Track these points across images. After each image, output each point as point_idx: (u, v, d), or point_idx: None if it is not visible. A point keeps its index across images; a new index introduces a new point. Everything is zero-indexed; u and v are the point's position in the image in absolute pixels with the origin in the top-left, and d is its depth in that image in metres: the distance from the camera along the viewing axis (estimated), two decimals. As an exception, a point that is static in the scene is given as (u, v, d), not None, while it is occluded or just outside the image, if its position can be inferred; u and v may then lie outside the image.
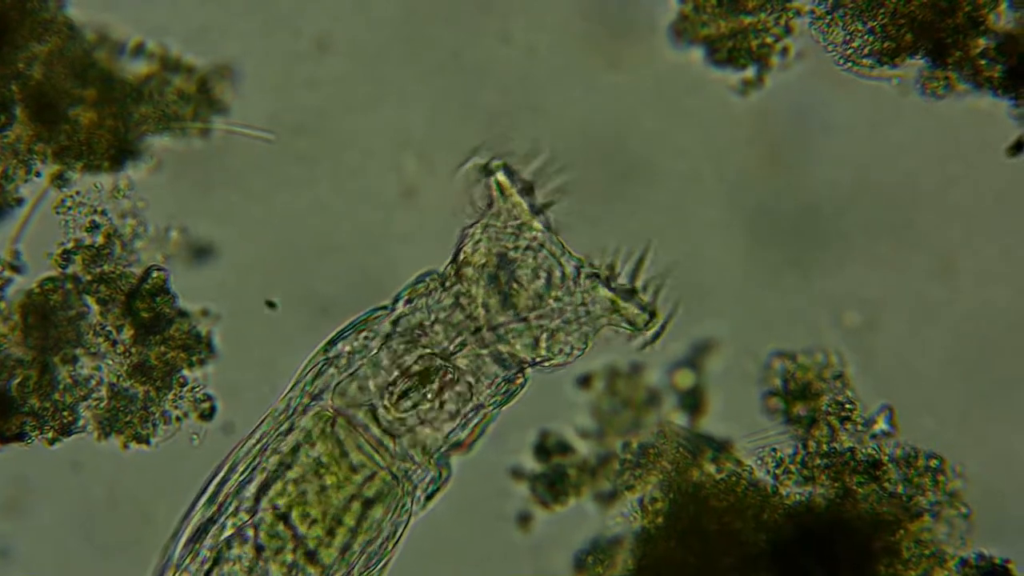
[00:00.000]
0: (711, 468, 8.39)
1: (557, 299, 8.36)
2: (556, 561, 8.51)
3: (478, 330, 8.35)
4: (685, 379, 8.56)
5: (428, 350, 8.35)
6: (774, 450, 8.39)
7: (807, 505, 8.30)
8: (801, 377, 8.44)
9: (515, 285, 8.34)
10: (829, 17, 8.43)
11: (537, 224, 8.40)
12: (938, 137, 8.57)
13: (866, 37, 8.40)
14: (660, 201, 8.56)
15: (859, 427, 8.38)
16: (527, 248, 8.38)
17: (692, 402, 8.55)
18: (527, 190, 8.45)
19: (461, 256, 8.41)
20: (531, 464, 8.57)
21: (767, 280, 8.57)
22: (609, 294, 8.38)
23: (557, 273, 8.37)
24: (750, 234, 8.59)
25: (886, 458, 8.34)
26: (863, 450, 8.35)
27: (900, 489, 8.30)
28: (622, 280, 8.42)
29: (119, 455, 8.51)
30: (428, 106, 8.63)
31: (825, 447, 8.36)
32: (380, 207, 8.63)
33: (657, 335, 8.46)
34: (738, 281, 8.58)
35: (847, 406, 8.40)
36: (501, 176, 8.45)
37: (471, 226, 8.45)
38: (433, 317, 8.37)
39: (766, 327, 8.55)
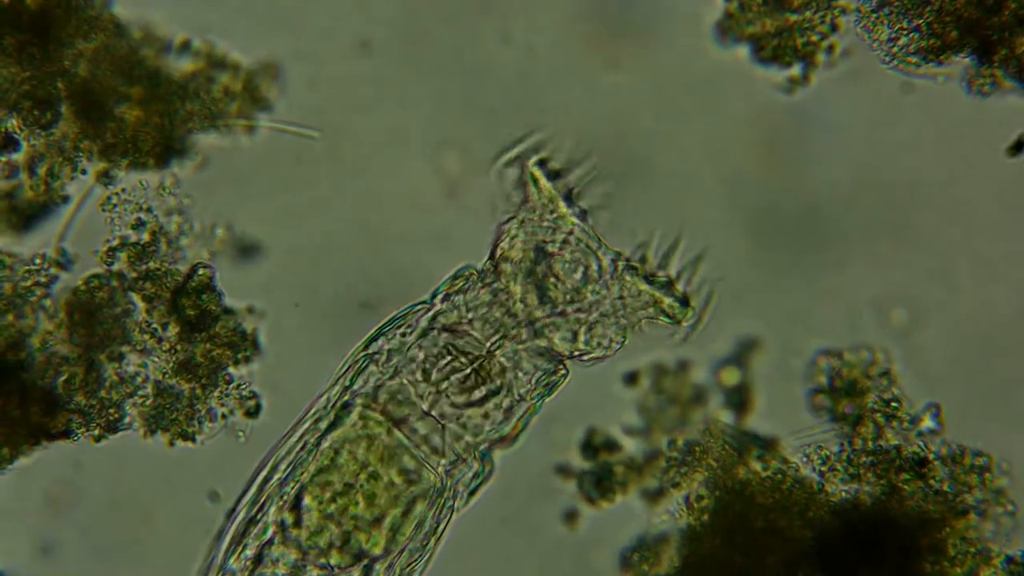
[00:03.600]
0: (757, 465, 8.39)
1: (595, 292, 8.36)
2: (602, 558, 8.52)
3: (516, 326, 8.35)
4: (731, 376, 8.56)
5: (467, 346, 8.35)
6: (820, 447, 8.39)
7: (853, 503, 8.30)
8: (847, 374, 8.44)
9: (552, 279, 8.34)
10: (875, 15, 8.43)
11: (573, 217, 8.40)
12: (939, 136, 8.58)
13: (912, 35, 8.40)
14: (660, 201, 8.55)
15: (905, 425, 8.38)
16: (564, 242, 8.38)
17: (738, 399, 8.56)
18: (562, 183, 8.45)
19: (498, 252, 8.41)
20: (578, 461, 8.58)
21: (768, 280, 8.58)
22: (647, 287, 8.38)
23: (594, 266, 8.37)
24: (750, 234, 8.60)
25: (932, 456, 8.34)
26: (909, 448, 8.35)
27: (946, 487, 8.30)
28: (659, 273, 8.42)
29: (164, 452, 8.52)
30: (458, 106, 8.64)
31: (871, 444, 8.36)
32: (424, 205, 8.64)
33: (694, 327, 8.46)
34: (737, 280, 8.59)
35: (893, 403, 8.40)
36: (536, 170, 8.45)
37: (507, 221, 8.45)
38: (471, 314, 8.37)
39: (766, 326, 8.57)
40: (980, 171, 8.56)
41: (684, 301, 8.40)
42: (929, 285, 8.53)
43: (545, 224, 8.39)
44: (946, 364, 8.52)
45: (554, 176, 8.45)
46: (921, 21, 8.38)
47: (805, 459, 8.40)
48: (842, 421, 8.42)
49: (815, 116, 8.59)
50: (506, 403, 8.35)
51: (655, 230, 8.45)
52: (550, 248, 8.36)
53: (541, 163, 8.47)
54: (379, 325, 8.47)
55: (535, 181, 8.44)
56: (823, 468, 8.36)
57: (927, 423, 8.39)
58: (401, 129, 8.60)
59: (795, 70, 8.55)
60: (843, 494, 8.33)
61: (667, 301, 8.38)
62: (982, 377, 8.52)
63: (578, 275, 8.36)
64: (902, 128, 8.58)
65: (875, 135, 8.58)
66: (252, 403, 8.51)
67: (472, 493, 8.45)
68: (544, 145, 8.50)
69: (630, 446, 8.57)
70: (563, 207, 8.41)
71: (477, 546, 8.52)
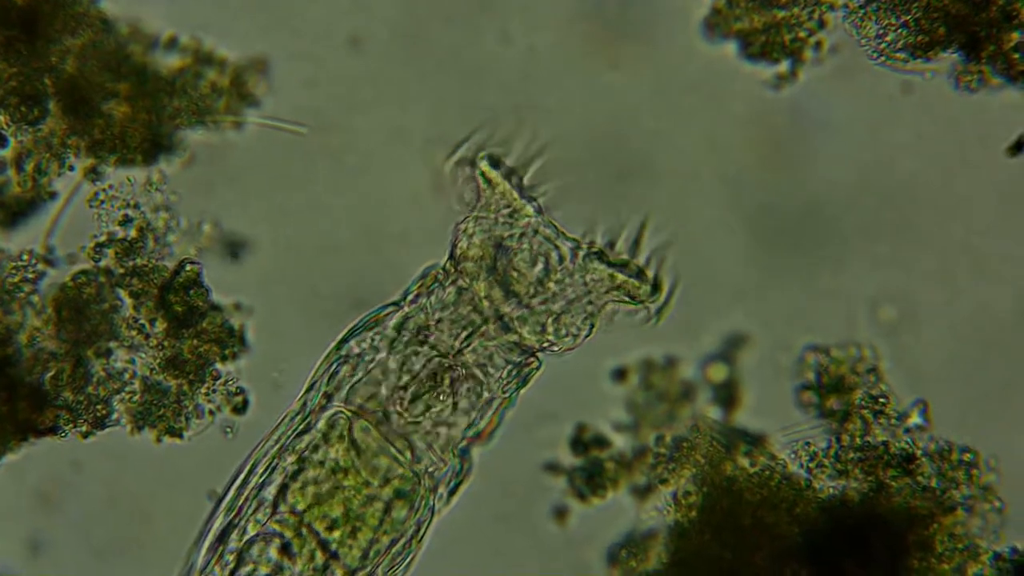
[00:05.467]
0: (745, 462, 8.39)
1: (558, 282, 8.34)
2: (590, 555, 8.51)
3: (484, 323, 8.33)
4: (718, 373, 8.56)
5: (435, 350, 8.33)
6: (808, 444, 8.40)
7: (841, 499, 8.30)
8: (835, 371, 8.44)
9: (514, 273, 8.33)
10: (863, 11, 8.43)
11: (529, 209, 8.38)
12: (938, 135, 8.58)
13: (900, 31, 8.41)
14: (660, 200, 8.55)
15: (893, 421, 8.39)
16: (522, 235, 8.36)
17: (726, 396, 8.56)
18: (514, 177, 8.43)
19: (457, 252, 8.38)
20: (567, 458, 8.57)
21: (766, 279, 8.58)
22: (608, 269, 8.36)
23: (554, 256, 8.35)
24: (751, 233, 8.60)
25: (920, 452, 8.34)
26: (897, 444, 8.35)
27: (934, 483, 8.31)
28: (621, 255, 8.40)
29: (151, 449, 8.51)
30: (457, 106, 8.64)
31: (859, 441, 8.36)
32: (415, 203, 8.64)
33: (661, 308, 8.44)
34: (739, 278, 8.58)
35: (880, 400, 8.40)
36: (486, 166, 8.43)
37: (463, 220, 8.43)
38: (437, 316, 8.35)
39: (762, 324, 8.57)
40: (979, 170, 8.56)
41: (648, 280, 8.38)
42: (928, 284, 8.54)
43: (501, 219, 8.37)
44: (944, 362, 8.53)
45: (505, 169, 8.43)
46: (909, 17, 8.39)
47: (793, 455, 8.40)
48: (830, 417, 8.43)
49: (809, 114, 8.59)
50: (480, 400, 8.34)
51: (621, 217, 8.45)
52: (508, 243, 8.34)
53: (491, 158, 8.45)
54: (350, 327, 8.45)
55: (486, 177, 8.41)
56: (811, 464, 8.36)
57: (914, 419, 8.39)
58: (400, 128, 8.60)
59: (783, 66, 8.56)
60: (831, 490, 8.33)
61: (631, 282, 8.36)
62: (980, 376, 8.53)
63: (539, 267, 8.34)
64: (901, 127, 8.58)
65: (873, 134, 8.58)
66: (239, 399, 8.51)
67: (452, 492, 8.44)
68: (492, 140, 8.49)
69: (619, 442, 8.57)
70: (518, 200, 8.38)
71: (466, 543, 8.51)
